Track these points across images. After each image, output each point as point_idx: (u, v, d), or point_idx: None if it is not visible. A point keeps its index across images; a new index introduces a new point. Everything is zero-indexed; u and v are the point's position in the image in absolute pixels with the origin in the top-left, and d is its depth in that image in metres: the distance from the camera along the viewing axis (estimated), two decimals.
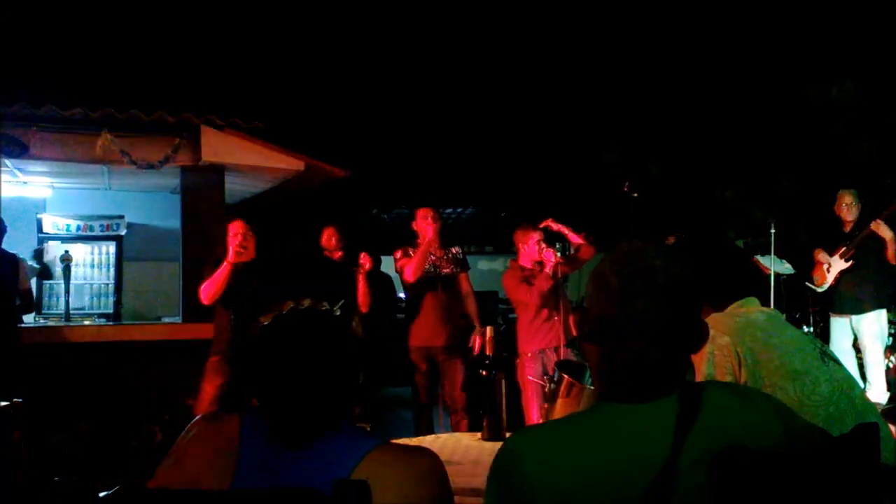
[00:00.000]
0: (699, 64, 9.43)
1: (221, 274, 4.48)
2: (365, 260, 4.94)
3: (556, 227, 5.05)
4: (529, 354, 4.86)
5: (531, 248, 4.94)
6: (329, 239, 5.45)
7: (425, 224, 4.91)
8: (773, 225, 6.24)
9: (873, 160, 8.73)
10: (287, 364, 1.18)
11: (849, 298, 5.62)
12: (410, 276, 4.94)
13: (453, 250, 5.12)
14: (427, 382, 4.99)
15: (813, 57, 8.77)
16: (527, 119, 10.83)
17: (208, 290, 4.52)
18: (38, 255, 6.51)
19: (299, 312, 1.19)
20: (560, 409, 2.58)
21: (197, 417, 1.29)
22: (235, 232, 4.58)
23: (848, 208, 5.63)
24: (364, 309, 4.85)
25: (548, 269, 4.81)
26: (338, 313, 1.21)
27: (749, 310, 2.18)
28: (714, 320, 2.06)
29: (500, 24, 10.29)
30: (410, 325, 5.06)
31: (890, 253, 5.36)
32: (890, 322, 5.96)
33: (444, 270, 5.01)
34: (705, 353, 2.04)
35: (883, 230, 5.33)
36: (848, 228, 5.65)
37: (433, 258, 4.99)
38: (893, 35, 8.08)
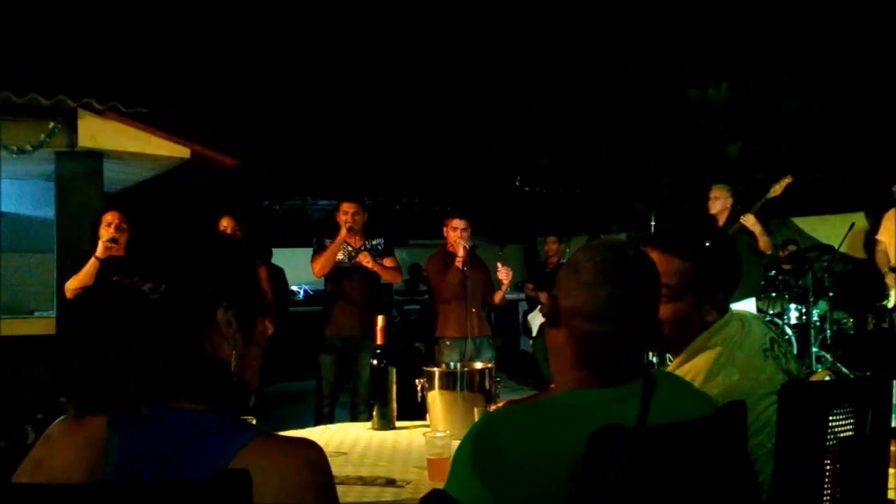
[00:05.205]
0: (584, 60, 9.76)
1: (87, 270, 4.24)
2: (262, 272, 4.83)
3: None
4: (448, 343, 4.89)
5: (449, 235, 4.96)
6: (225, 229, 4.97)
7: (342, 219, 4.82)
8: (653, 217, 6.52)
9: (747, 157, 9.29)
10: (92, 334, 1.20)
11: None
12: (316, 273, 4.90)
13: (374, 242, 5.02)
14: (335, 375, 4.87)
15: (693, 58, 9.24)
16: (418, 112, 10.91)
17: (72, 287, 4.29)
18: None
19: (106, 288, 1.22)
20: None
21: (57, 420, 1.24)
22: (108, 222, 4.31)
23: (713, 202, 5.95)
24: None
25: (458, 262, 4.84)
26: (154, 297, 1.18)
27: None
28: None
29: (388, 17, 10.31)
30: (325, 316, 4.94)
31: (761, 244, 5.70)
32: (758, 310, 6.36)
33: (364, 262, 4.88)
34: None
35: (752, 224, 5.66)
36: (721, 222, 5.98)
37: (350, 249, 4.91)
38: (765, 36, 8.63)
